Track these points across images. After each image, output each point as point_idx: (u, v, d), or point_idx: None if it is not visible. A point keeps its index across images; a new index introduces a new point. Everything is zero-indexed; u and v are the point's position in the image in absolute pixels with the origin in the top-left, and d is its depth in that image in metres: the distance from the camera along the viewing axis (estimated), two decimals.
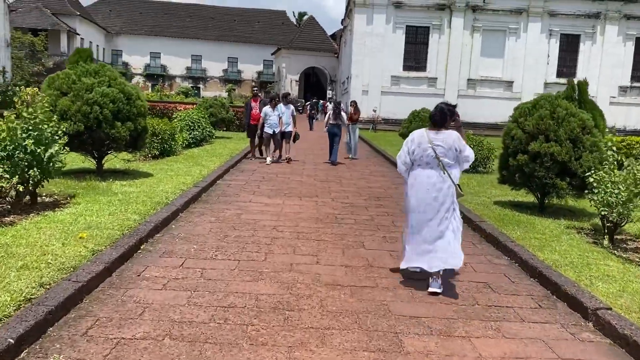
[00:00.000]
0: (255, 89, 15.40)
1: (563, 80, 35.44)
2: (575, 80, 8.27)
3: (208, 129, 17.23)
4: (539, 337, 3.91)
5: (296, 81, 56.47)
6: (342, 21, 48.22)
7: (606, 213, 6.39)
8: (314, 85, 60.41)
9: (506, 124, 8.62)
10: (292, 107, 14.41)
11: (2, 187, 6.26)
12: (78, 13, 53.46)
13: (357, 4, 36.10)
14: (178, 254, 5.45)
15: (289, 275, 4.99)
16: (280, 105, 13.98)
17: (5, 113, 6.73)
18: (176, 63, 64.65)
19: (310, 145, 19.27)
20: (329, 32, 61.86)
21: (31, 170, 6.39)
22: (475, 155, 13.70)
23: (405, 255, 5.08)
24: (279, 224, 7.05)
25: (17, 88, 10.81)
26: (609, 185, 6.41)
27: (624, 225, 6.66)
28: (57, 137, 6.87)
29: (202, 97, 42.89)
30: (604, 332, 4.00)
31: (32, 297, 3.85)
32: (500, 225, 7.17)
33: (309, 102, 44.09)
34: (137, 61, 64.05)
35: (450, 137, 4.84)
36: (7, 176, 6.18)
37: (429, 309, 4.34)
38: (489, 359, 3.54)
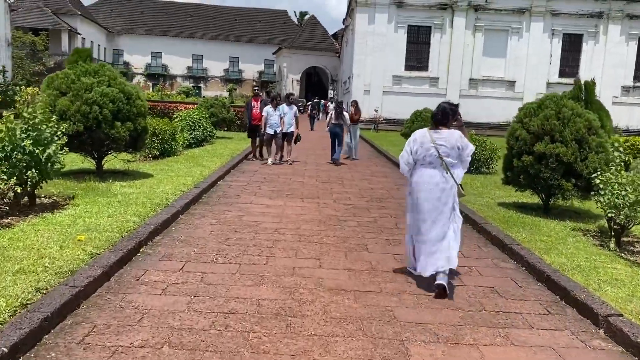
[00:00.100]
0: (256, 88, 15.22)
1: (565, 80, 35.37)
2: (582, 80, 8.15)
3: (209, 129, 17.12)
4: (549, 345, 3.80)
5: (297, 81, 56.34)
6: (344, 20, 48.10)
7: (613, 215, 6.28)
8: (316, 85, 60.28)
9: (508, 124, 8.53)
10: (295, 107, 14.25)
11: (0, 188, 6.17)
12: (79, 12, 53.42)
13: (359, 4, 35.97)
14: (178, 258, 5.35)
15: (291, 279, 4.88)
16: (283, 106, 13.83)
17: (5, 113, 6.64)
18: (177, 62, 64.58)
19: (312, 146, 19.17)
20: (331, 32, 61.76)
21: (29, 172, 6.30)
22: (478, 156, 13.67)
23: (409, 256, 5.06)
24: (280, 226, 6.95)
25: (18, 88, 10.76)
26: (615, 186, 6.30)
27: (631, 228, 6.54)
28: (56, 138, 6.77)
29: (203, 96, 42.82)
30: (616, 340, 3.88)
31: (28, 302, 3.75)
32: (505, 227, 7.06)
33: (310, 102, 44.00)
34: (138, 61, 63.99)
35: (452, 136, 4.82)
36: (5, 177, 6.08)
37: (435, 315, 4.23)
38: None
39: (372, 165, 15.02)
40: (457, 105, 5.16)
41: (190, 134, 15.94)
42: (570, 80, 35.16)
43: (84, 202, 7.03)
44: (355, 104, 17.02)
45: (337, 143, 14.76)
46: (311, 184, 10.80)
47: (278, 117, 13.47)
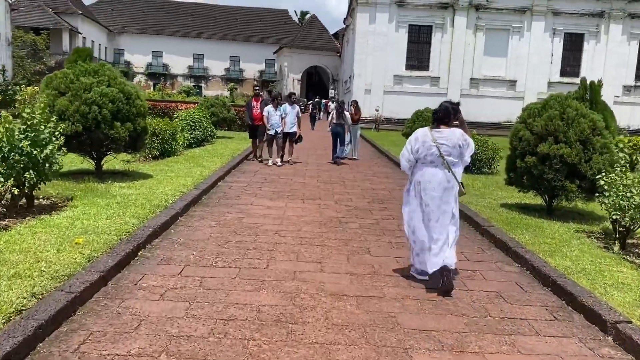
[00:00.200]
0: (257, 88, 15.02)
1: (567, 80, 35.30)
2: (588, 81, 8.05)
3: (209, 129, 17.03)
4: (557, 353, 3.70)
5: (298, 80, 56.22)
6: (345, 20, 47.99)
7: (618, 217, 6.19)
8: (316, 85, 60.17)
9: (509, 124, 8.47)
10: (297, 107, 14.08)
11: None
12: (80, 12, 53.34)
13: (360, 3, 35.87)
14: (177, 261, 5.25)
15: (292, 284, 4.79)
16: (285, 105, 13.65)
17: (3, 113, 6.55)
18: (178, 62, 64.48)
19: (313, 145, 19.07)
20: (332, 31, 61.60)
21: (27, 173, 6.21)
22: (480, 156, 13.57)
23: (413, 256, 5.07)
24: (281, 229, 6.86)
25: (18, 87, 10.70)
26: (620, 188, 6.21)
27: (636, 230, 6.44)
28: (54, 139, 6.69)
29: (204, 96, 42.71)
30: (625, 348, 3.78)
31: (23, 308, 3.66)
32: (508, 229, 6.97)
33: (310, 101, 43.89)
34: (139, 60, 63.90)
35: (453, 134, 4.83)
36: (2, 179, 5.99)
37: (440, 321, 4.14)
38: None
39: (374, 166, 14.92)
40: (458, 104, 5.17)
41: (191, 133, 15.85)
42: (572, 80, 35.18)
43: (83, 203, 6.95)
44: (355, 103, 16.93)
45: (338, 143, 14.69)
46: (312, 185, 10.71)
47: (279, 118, 13.29)
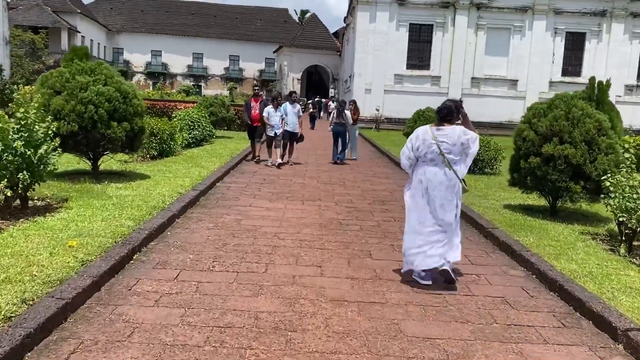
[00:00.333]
0: (257, 87, 14.72)
1: (568, 79, 35.17)
2: (596, 80, 7.91)
3: (208, 129, 16.88)
4: None
5: (298, 79, 56.05)
6: (345, 19, 47.81)
7: (624, 219, 6.05)
8: (316, 84, 60.01)
9: (510, 123, 8.36)
10: (298, 106, 13.87)
11: None
12: (79, 11, 53.18)
13: (360, 2, 35.71)
14: (173, 265, 5.11)
15: (291, 289, 4.64)
16: (286, 105, 13.43)
17: None
18: (177, 61, 64.30)
19: (313, 145, 18.92)
20: (332, 30, 61.44)
21: (21, 174, 6.07)
22: (482, 156, 13.43)
23: (409, 256, 4.99)
24: (280, 231, 6.71)
25: (16, 86, 10.56)
26: (627, 189, 6.07)
27: None
28: (48, 139, 6.54)
29: (204, 95, 42.58)
30: (637, 357, 3.64)
31: (13, 314, 3.52)
32: (511, 231, 6.83)
33: (310, 101, 43.72)
34: (138, 59, 63.72)
35: (454, 132, 4.81)
36: None
37: (444, 328, 3.99)
38: None
39: (374, 166, 14.78)
40: (461, 101, 5.17)
41: (189, 133, 15.70)
42: (573, 79, 35.09)
43: (78, 205, 6.80)
44: (354, 103, 16.80)
45: (339, 142, 14.57)
46: (312, 186, 10.57)
47: (279, 119, 13.02)
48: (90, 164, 9.24)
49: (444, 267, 4.85)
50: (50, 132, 6.59)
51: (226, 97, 33.67)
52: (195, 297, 4.32)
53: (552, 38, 35.92)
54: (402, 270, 5.17)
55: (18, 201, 6.47)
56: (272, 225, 7.01)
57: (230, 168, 11.83)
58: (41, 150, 6.34)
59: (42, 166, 6.40)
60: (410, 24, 36.01)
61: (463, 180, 4.93)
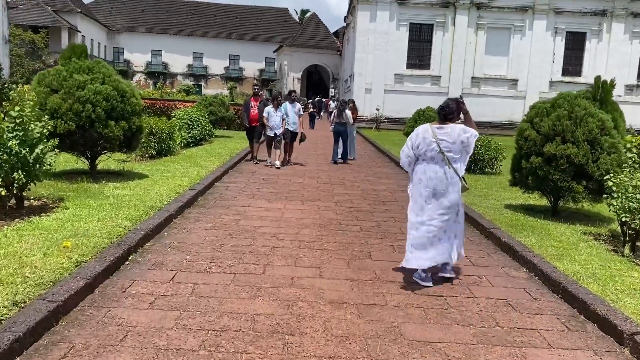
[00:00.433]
0: (257, 87, 14.55)
1: (568, 79, 35.07)
2: (601, 80, 7.82)
3: (207, 128, 16.78)
4: None
5: (298, 79, 55.97)
6: (345, 18, 47.73)
7: (627, 219, 5.95)
8: (317, 84, 59.93)
9: (510, 123, 8.28)
10: (298, 105, 13.73)
11: None
12: (79, 10, 53.07)
13: (361, 1, 35.61)
14: (169, 266, 5.02)
15: (289, 291, 4.55)
16: (286, 104, 13.26)
17: None
18: (178, 61, 64.21)
19: (313, 145, 18.82)
20: (332, 30, 61.37)
21: (16, 173, 5.98)
22: (482, 156, 13.34)
23: (410, 253, 4.96)
24: (279, 232, 6.62)
25: (15, 85, 10.47)
26: (630, 189, 5.98)
27: None
28: (44, 138, 6.45)
29: (204, 94, 42.46)
30: None
31: (3, 317, 3.44)
32: (513, 231, 6.74)
33: (310, 100, 43.64)
34: (138, 59, 63.65)
35: (454, 130, 4.80)
36: None
37: (445, 332, 3.90)
38: None
39: (375, 166, 14.68)
40: (461, 98, 5.19)
41: (189, 132, 15.61)
42: (574, 79, 35.00)
43: (74, 204, 6.71)
44: (352, 102, 16.73)
45: (340, 142, 14.49)
46: (312, 186, 10.47)
47: (279, 119, 12.83)
48: (87, 163, 9.15)
49: (444, 274, 5.01)
50: (46, 131, 6.49)
51: (226, 96, 33.53)
52: (190, 300, 4.23)
53: (553, 38, 35.81)
54: (400, 265, 5.14)
55: (13, 201, 6.39)
56: (270, 225, 6.92)
57: (229, 168, 11.73)
58: (37, 150, 6.25)
59: (38, 165, 6.30)
60: (410, 23, 35.91)
61: (463, 178, 4.92)
